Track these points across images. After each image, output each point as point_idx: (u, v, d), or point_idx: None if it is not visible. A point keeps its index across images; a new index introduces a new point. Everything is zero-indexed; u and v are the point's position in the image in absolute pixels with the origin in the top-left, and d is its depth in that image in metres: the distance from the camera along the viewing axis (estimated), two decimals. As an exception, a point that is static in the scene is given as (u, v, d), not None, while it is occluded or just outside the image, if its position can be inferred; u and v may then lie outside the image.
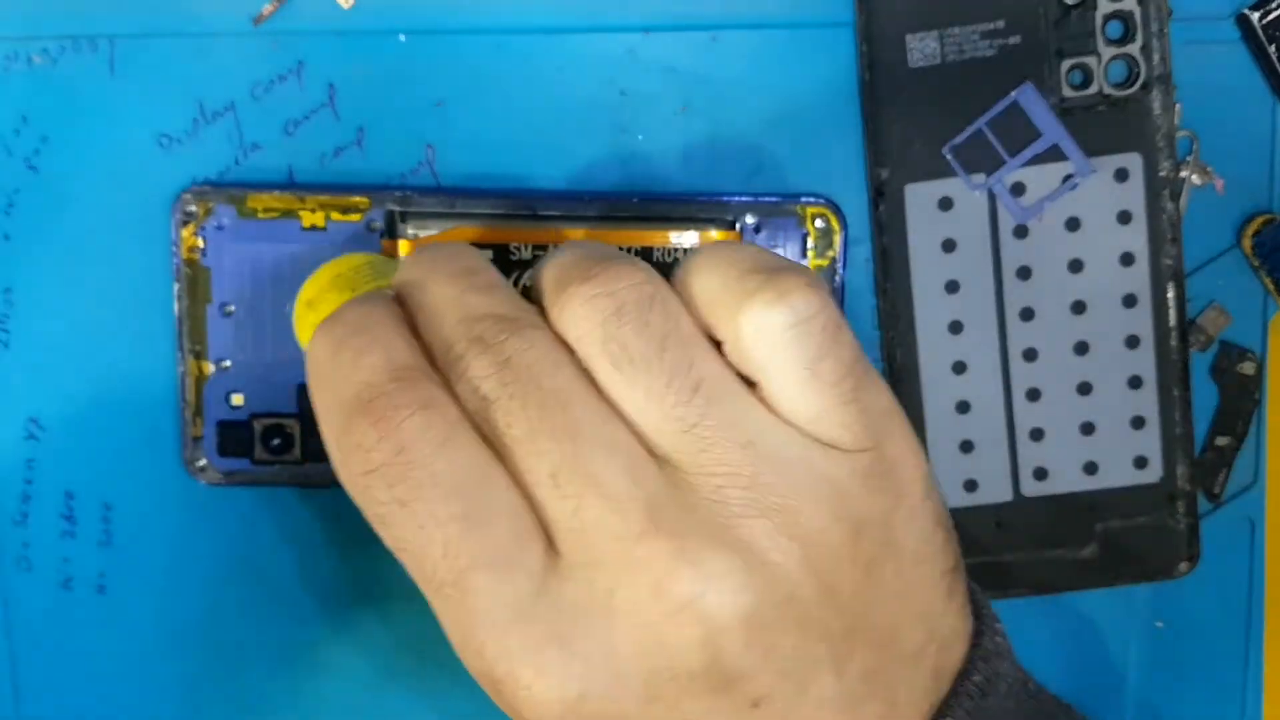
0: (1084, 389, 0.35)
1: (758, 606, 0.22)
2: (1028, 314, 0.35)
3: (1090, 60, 0.34)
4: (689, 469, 0.23)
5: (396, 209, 0.35)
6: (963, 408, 0.35)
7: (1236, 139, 0.36)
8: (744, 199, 0.35)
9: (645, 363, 0.23)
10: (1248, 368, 0.37)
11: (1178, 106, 0.35)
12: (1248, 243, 0.36)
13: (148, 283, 0.36)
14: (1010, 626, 0.38)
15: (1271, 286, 0.36)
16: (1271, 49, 0.35)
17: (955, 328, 0.35)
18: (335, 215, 0.35)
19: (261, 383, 0.36)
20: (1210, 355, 0.37)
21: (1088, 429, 0.35)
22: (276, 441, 0.36)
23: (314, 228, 0.35)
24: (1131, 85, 0.34)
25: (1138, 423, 0.35)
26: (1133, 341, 0.35)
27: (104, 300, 0.36)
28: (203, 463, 0.36)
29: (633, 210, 0.35)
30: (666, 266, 0.35)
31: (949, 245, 0.35)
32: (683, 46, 0.35)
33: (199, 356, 0.35)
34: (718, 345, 0.24)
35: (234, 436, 0.36)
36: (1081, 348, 0.35)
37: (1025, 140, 0.34)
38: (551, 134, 0.36)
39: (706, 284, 0.24)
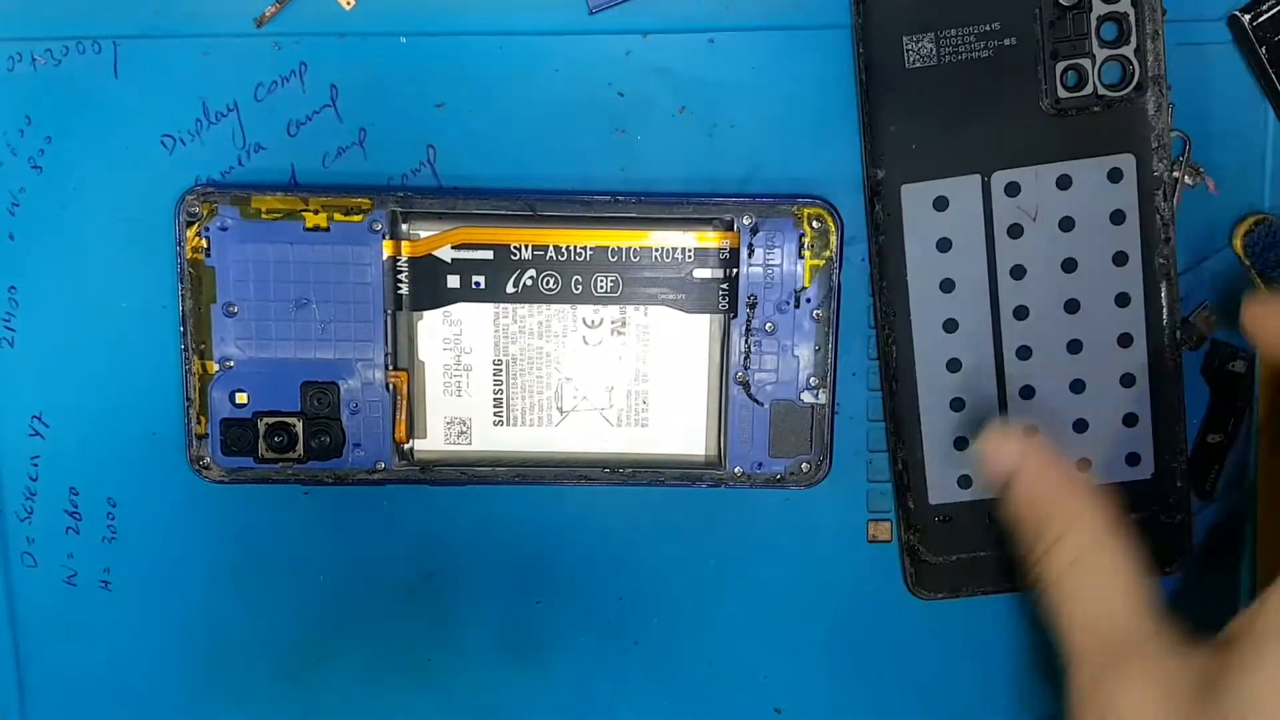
0: (1077, 387, 0.36)
1: None
2: (1021, 312, 0.35)
3: (1085, 62, 0.34)
4: None
5: (398, 209, 0.35)
6: (957, 404, 0.36)
7: (1228, 140, 0.36)
8: (741, 199, 0.35)
9: None
10: (1239, 366, 0.37)
11: (1170, 107, 0.35)
12: (1239, 242, 0.36)
13: (152, 282, 0.36)
14: (1002, 622, 0.38)
15: (1263, 286, 0.36)
16: (1262, 51, 0.35)
17: (950, 326, 0.36)
18: (338, 216, 0.35)
19: (265, 381, 0.36)
20: (1201, 354, 0.37)
21: (1080, 426, 0.36)
22: (280, 439, 0.36)
23: (317, 228, 0.35)
24: (1126, 86, 0.34)
25: (1130, 420, 0.36)
26: (1125, 340, 0.35)
27: (109, 299, 0.36)
28: (207, 460, 0.36)
29: (631, 210, 0.35)
30: (666, 266, 0.36)
31: (944, 244, 0.35)
32: (681, 48, 0.36)
33: (203, 355, 0.36)
34: None
35: (238, 435, 0.36)
36: (1074, 346, 0.35)
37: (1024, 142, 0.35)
38: (551, 134, 0.36)
39: None
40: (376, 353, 0.36)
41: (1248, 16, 0.35)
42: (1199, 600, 0.38)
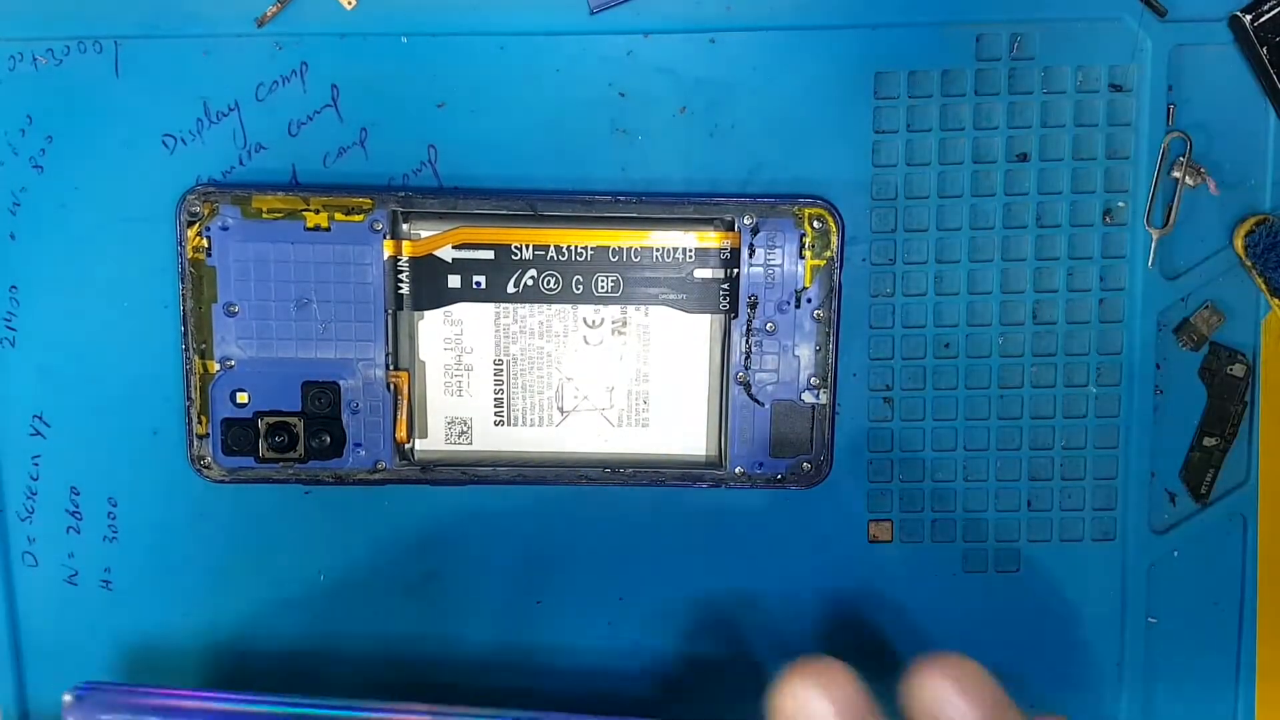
0: None
1: None
2: None
3: None
4: None
5: (399, 209, 0.35)
6: None
7: (1229, 140, 0.36)
8: (742, 199, 0.35)
9: None
10: (1237, 370, 0.37)
11: (1171, 108, 0.36)
12: (1240, 243, 0.36)
13: (153, 282, 0.36)
14: (1003, 620, 0.38)
15: (1264, 286, 0.36)
16: (1264, 51, 0.35)
17: None
18: (339, 216, 0.35)
19: (266, 381, 0.36)
20: (1200, 355, 0.37)
21: None
22: (280, 439, 0.36)
23: (318, 228, 0.35)
24: None
25: None
26: None
27: (109, 299, 0.36)
28: (208, 460, 0.36)
29: (632, 210, 0.35)
30: (667, 266, 0.36)
31: None
32: (682, 48, 0.36)
33: (204, 355, 0.36)
34: None
35: (238, 434, 0.36)
36: None
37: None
38: (552, 135, 0.36)
39: None
40: (377, 352, 0.36)
41: (1249, 17, 0.35)
42: (1199, 601, 0.38)
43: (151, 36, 0.35)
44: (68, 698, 0.32)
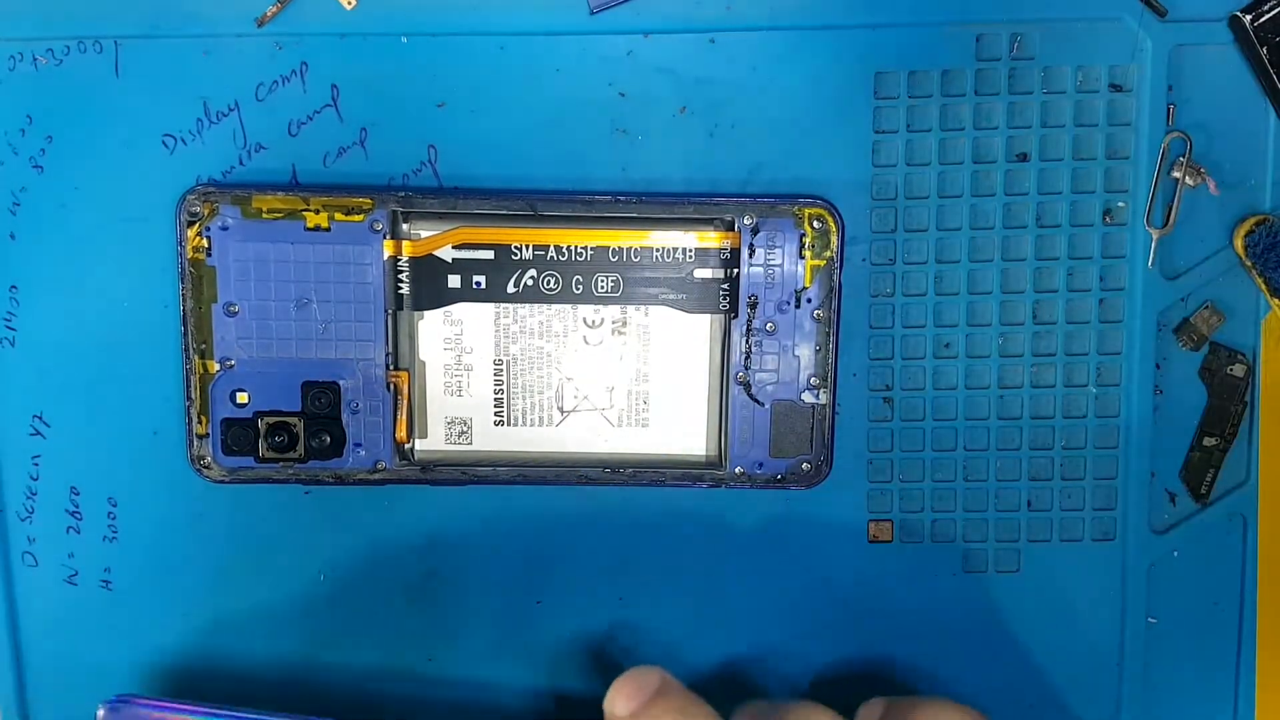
0: None
1: None
2: None
3: None
4: None
5: (399, 209, 0.35)
6: None
7: (1229, 140, 0.36)
8: (742, 199, 0.35)
9: None
10: (1238, 370, 0.37)
11: (1171, 108, 0.36)
12: (1240, 243, 0.36)
13: (153, 282, 0.36)
14: (1003, 620, 0.38)
15: (1264, 286, 0.36)
16: (1263, 51, 0.35)
17: None
18: (339, 216, 0.35)
19: (266, 381, 0.36)
20: (1200, 355, 0.37)
21: None
22: (280, 439, 0.36)
23: (318, 228, 0.35)
24: None
25: None
26: None
27: (109, 299, 0.36)
28: (208, 460, 0.36)
29: (632, 210, 0.35)
30: (667, 266, 0.36)
31: None
32: (682, 48, 0.36)
33: (204, 355, 0.36)
34: None
35: (238, 434, 0.36)
36: None
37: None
38: (552, 135, 0.36)
39: None
40: (377, 352, 0.36)
41: (1249, 17, 0.35)
42: (1199, 601, 0.38)
43: (151, 36, 0.35)
44: (101, 712, 0.33)
